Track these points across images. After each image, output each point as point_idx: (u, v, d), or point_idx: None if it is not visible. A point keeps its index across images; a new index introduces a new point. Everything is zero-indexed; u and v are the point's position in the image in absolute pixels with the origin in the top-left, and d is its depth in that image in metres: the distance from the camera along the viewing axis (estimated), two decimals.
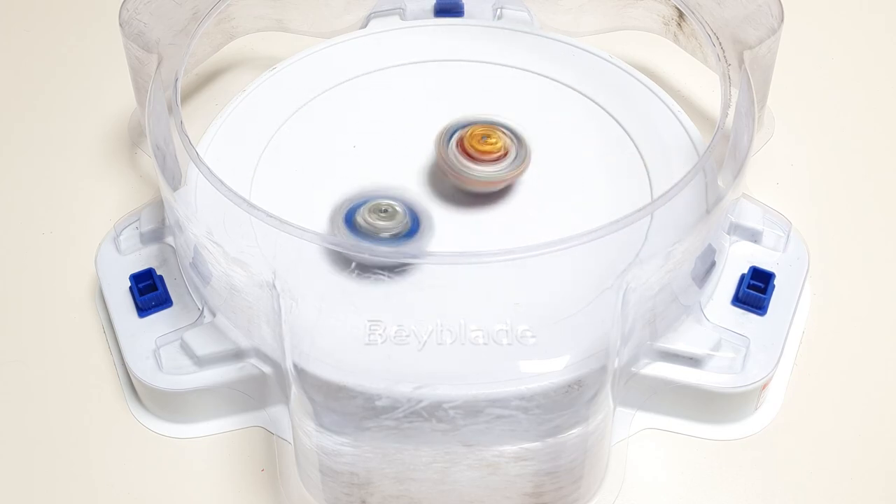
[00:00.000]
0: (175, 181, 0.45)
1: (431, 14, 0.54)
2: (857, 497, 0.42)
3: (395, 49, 0.52)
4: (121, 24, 0.47)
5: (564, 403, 0.38)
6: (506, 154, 0.45)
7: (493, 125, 0.45)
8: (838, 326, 0.47)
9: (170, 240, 0.46)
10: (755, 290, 0.44)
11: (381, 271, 0.42)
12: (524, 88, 0.50)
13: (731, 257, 0.45)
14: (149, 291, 0.44)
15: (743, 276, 0.45)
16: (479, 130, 0.45)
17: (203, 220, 0.43)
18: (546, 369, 0.38)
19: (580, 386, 0.38)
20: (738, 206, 0.45)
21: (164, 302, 0.44)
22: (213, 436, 0.44)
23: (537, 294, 0.41)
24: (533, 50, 0.52)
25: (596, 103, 0.49)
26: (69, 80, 0.58)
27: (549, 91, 0.49)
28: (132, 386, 0.45)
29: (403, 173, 0.46)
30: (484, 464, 0.38)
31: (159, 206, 0.47)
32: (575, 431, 0.38)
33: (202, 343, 0.42)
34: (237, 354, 0.42)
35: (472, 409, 0.38)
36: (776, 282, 0.44)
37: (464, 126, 0.45)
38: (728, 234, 0.46)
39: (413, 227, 0.43)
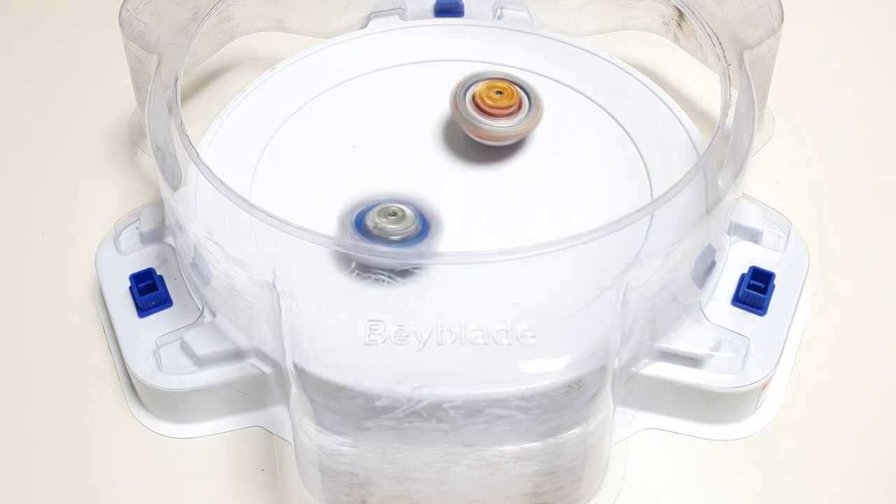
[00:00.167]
0: (175, 181, 0.45)
1: (431, 14, 0.54)
2: (857, 497, 0.42)
3: (395, 49, 0.52)
4: (121, 24, 0.47)
5: (564, 403, 0.38)
6: (519, 108, 0.46)
7: (506, 80, 0.47)
8: (838, 326, 0.47)
9: (170, 240, 0.46)
10: (755, 290, 0.44)
11: (381, 271, 0.42)
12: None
13: (731, 257, 0.45)
14: (149, 291, 0.44)
15: (743, 276, 0.45)
16: (494, 84, 0.46)
17: (203, 220, 0.43)
18: (546, 369, 0.38)
19: (580, 386, 0.38)
20: (738, 206, 0.45)
21: (164, 302, 0.44)
22: (213, 436, 0.44)
23: (537, 294, 0.41)
24: (533, 50, 0.52)
25: (596, 103, 0.49)
26: (69, 80, 0.58)
27: (549, 91, 0.49)
28: (132, 386, 0.45)
29: (403, 173, 0.46)
30: (484, 464, 0.38)
31: (159, 206, 0.47)
32: (575, 431, 0.38)
33: (202, 343, 0.42)
34: (237, 354, 0.42)
35: (472, 409, 0.38)
36: (776, 282, 0.44)
37: (478, 80, 0.47)
38: (728, 234, 0.46)
39: (423, 229, 0.43)
